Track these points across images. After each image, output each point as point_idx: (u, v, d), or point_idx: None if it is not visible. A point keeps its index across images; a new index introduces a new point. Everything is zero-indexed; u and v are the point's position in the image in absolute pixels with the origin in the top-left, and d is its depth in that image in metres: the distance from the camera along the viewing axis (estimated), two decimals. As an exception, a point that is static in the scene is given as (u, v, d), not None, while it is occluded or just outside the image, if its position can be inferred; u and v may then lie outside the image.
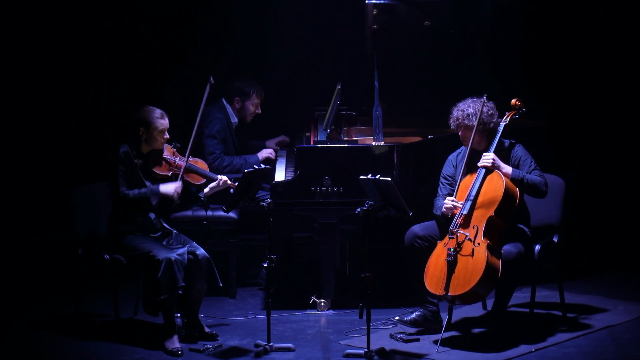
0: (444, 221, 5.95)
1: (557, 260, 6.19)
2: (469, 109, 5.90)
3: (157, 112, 5.95)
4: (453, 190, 6.01)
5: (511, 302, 5.99)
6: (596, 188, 7.97)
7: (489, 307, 6.34)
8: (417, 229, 5.98)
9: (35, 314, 6.58)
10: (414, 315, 6.01)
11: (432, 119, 7.06)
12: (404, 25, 6.89)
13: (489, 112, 5.91)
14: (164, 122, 5.95)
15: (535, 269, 6.06)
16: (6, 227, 7.82)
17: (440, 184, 6.12)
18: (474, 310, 6.33)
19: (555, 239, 6.19)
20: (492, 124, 5.93)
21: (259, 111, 7.21)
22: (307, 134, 7.17)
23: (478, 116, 5.88)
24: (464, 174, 5.96)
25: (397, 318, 6.06)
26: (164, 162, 6.01)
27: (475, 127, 5.88)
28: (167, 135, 5.98)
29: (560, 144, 7.51)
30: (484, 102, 5.93)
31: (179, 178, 5.98)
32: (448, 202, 5.87)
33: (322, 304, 6.55)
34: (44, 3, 7.74)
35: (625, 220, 8.02)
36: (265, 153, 7.20)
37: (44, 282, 7.34)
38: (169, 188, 5.95)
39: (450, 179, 6.09)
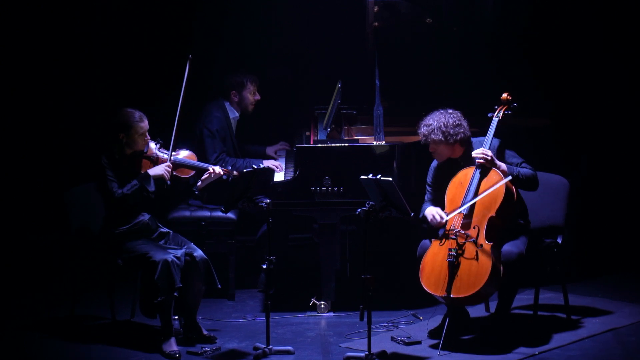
0: (427, 227, 5.90)
1: (561, 262, 6.14)
2: (433, 124, 5.86)
3: (136, 115, 5.91)
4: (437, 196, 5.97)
5: (514, 304, 5.97)
6: (601, 188, 7.93)
7: (492, 309, 6.28)
8: (429, 243, 5.90)
9: (30, 316, 6.54)
10: None
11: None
12: (406, 23, 6.88)
13: (454, 123, 5.86)
14: (143, 125, 5.91)
15: (539, 270, 5.99)
16: (0, 228, 7.75)
17: (427, 191, 6.09)
18: (477, 312, 6.29)
19: (559, 240, 6.14)
20: (460, 135, 5.86)
21: (258, 97, 7.17)
22: (307, 133, 7.13)
23: (442, 130, 5.82)
24: (445, 185, 5.91)
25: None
26: (148, 161, 5.97)
27: (441, 140, 5.83)
28: (147, 137, 5.92)
29: (565, 143, 7.46)
30: (450, 113, 5.88)
31: (169, 162, 5.93)
32: (435, 214, 5.80)
33: (322, 306, 6.50)
34: (38, 4, 7.69)
35: (630, 221, 7.97)
36: (270, 164, 7.12)
37: (38, 283, 7.30)
38: (157, 169, 5.91)
39: (432, 185, 6.05)
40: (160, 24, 7.77)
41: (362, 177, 5.60)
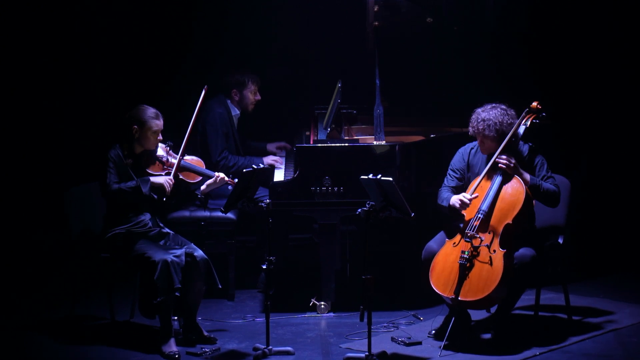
0: (449, 214, 5.87)
1: (562, 262, 6.12)
2: (489, 120, 5.82)
3: (152, 111, 5.88)
4: (460, 183, 5.97)
5: (515, 304, 5.90)
6: (602, 188, 7.91)
7: (493, 310, 6.25)
8: (434, 245, 5.90)
9: (30, 316, 6.51)
10: None
11: (435, 118, 7.00)
12: (406, 22, 6.85)
13: (508, 121, 5.85)
14: (159, 123, 5.89)
15: (540, 271, 5.97)
16: (1, 228, 7.73)
17: (448, 175, 6.06)
18: (478, 312, 6.26)
19: (560, 240, 6.12)
20: (510, 133, 5.85)
21: (259, 97, 7.15)
22: (307, 133, 7.11)
23: (497, 127, 5.81)
24: (474, 175, 5.93)
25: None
26: (157, 162, 5.95)
27: (494, 137, 5.82)
28: (160, 137, 5.89)
29: (565, 143, 7.44)
30: (504, 110, 5.86)
31: (172, 176, 5.91)
32: (462, 198, 5.79)
33: (322, 306, 6.47)
34: (38, 3, 7.66)
35: (631, 221, 7.95)
36: (270, 160, 7.12)
37: (38, 283, 7.27)
38: (159, 179, 5.89)
39: (458, 172, 6.03)
40: (160, 24, 7.75)
41: (362, 177, 5.58)
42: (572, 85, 7.81)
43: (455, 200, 5.84)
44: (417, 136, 6.87)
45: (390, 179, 5.48)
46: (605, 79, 7.85)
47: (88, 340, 5.97)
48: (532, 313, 6.15)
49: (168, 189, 5.88)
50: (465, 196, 5.81)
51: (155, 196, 5.90)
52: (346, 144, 6.52)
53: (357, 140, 6.79)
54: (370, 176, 5.52)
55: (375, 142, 6.55)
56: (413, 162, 6.51)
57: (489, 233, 5.73)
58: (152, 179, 5.87)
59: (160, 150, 5.98)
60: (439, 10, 7.09)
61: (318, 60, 7.79)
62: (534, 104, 5.99)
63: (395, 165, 6.41)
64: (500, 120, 5.83)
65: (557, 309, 6.39)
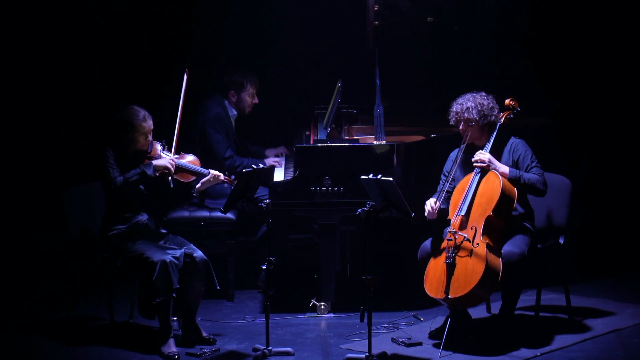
0: (428, 219, 5.90)
1: (563, 262, 6.10)
2: (468, 102, 5.86)
3: (140, 114, 5.85)
4: (451, 186, 5.99)
5: (516, 304, 5.89)
6: (603, 188, 7.89)
7: (493, 310, 6.26)
8: (429, 245, 5.89)
9: (29, 316, 6.51)
10: None
11: (436, 118, 6.99)
12: (406, 21, 6.85)
13: (489, 105, 5.89)
14: (146, 125, 5.86)
15: (540, 271, 5.97)
16: (0, 228, 7.72)
17: (440, 181, 6.07)
18: (478, 313, 6.25)
19: (561, 241, 6.11)
20: (492, 117, 5.89)
21: (256, 101, 7.12)
22: (307, 132, 7.10)
23: (478, 109, 5.83)
24: (462, 173, 5.92)
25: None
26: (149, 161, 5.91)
27: (475, 119, 5.81)
28: (149, 138, 5.87)
29: (566, 142, 7.43)
30: (484, 95, 5.90)
31: (173, 155, 5.91)
32: (426, 206, 5.84)
33: (322, 307, 6.46)
34: (38, 4, 7.66)
35: (632, 222, 7.93)
36: (271, 161, 7.11)
37: (38, 283, 7.26)
38: (161, 161, 5.86)
39: (449, 175, 6.01)
40: (160, 24, 7.74)
41: (362, 177, 5.58)
42: (572, 85, 7.80)
43: (426, 204, 5.87)
44: (417, 136, 6.86)
45: (390, 179, 5.48)
46: (605, 79, 7.83)
47: (88, 341, 5.97)
48: (533, 313, 6.15)
49: (172, 169, 5.85)
50: (430, 203, 5.84)
51: (145, 187, 5.87)
52: (346, 144, 6.51)
53: (357, 140, 6.78)
54: (370, 176, 5.52)
55: (375, 142, 6.55)
56: (413, 162, 6.51)
57: (472, 229, 5.73)
58: (155, 161, 5.85)
59: (154, 150, 5.95)
60: (439, 10, 7.08)
61: (318, 60, 7.79)
62: (507, 101, 6.03)
63: (395, 165, 6.40)
64: (480, 102, 5.86)
65: (558, 310, 6.38)
